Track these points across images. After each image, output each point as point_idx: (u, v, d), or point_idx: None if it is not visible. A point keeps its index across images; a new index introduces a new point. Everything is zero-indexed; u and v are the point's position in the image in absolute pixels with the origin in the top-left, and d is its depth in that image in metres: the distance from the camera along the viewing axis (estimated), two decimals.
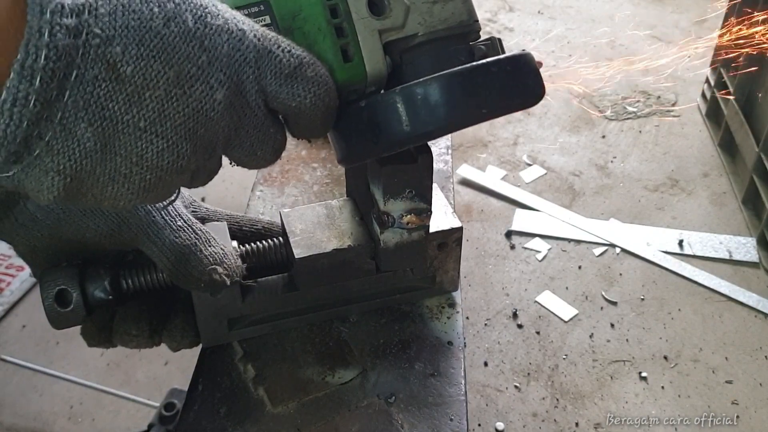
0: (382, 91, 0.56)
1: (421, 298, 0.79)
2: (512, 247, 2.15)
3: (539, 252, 2.12)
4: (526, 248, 2.14)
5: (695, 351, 1.83)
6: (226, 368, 0.71)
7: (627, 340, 1.86)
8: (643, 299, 1.97)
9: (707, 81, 2.71)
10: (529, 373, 1.77)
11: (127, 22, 0.41)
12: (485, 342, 1.85)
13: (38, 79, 0.38)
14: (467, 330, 1.85)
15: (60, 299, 0.64)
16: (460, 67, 0.51)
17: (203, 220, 0.73)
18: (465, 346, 0.75)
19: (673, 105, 2.81)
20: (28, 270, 2.04)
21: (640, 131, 2.67)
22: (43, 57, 0.38)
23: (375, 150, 0.55)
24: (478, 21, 0.58)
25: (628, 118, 2.74)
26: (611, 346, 1.84)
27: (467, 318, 1.89)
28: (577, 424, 1.66)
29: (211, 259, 0.63)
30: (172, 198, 0.52)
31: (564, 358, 1.81)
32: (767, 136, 2.08)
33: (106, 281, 0.65)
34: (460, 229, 0.74)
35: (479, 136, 2.63)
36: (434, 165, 0.68)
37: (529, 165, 2.49)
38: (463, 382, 0.71)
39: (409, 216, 0.67)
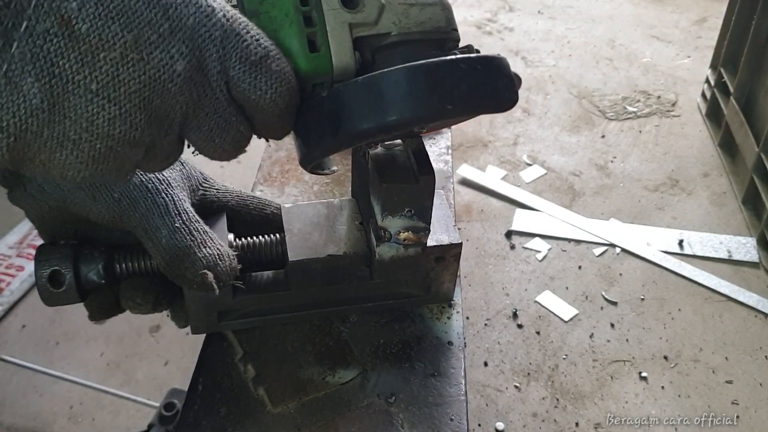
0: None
1: (416, 305, 0.78)
2: (512, 247, 2.15)
3: (539, 252, 2.12)
4: (526, 248, 2.14)
5: (695, 351, 1.83)
6: (226, 368, 0.71)
7: (627, 340, 1.86)
8: (643, 299, 1.97)
9: (707, 81, 2.71)
10: (529, 373, 1.77)
11: None
12: (485, 342, 1.84)
13: None
14: (467, 330, 1.85)
15: (53, 279, 0.64)
16: (426, 60, 0.49)
17: (212, 203, 0.73)
18: (465, 346, 0.75)
19: (674, 105, 2.81)
20: (27, 270, 2.05)
21: (640, 131, 2.67)
22: None
23: (335, 143, 0.52)
24: (456, 30, 0.57)
25: (628, 118, 2.74)
26: (611, 346, 1.84)
27: (467, 318, 1.89)
28: (577, 424, 1.66)
29: (204, 261, 0.63)
30: (129, 178, 0.49)
31: (564, 358, 1.81)
32: (767, 136, 2.08)
33: (100, 265, 0.65)
34: (460, 245, 0.73)
35: (479, 136, 2.63)
36: (434, 165, 0.68)
37: (529, 165, 2.49)
38: (463, 382, 0.71)
39: (406, 233, 0.66)
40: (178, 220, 0.64)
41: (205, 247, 0.64)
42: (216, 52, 0.46)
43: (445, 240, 0.72)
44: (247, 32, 0.47)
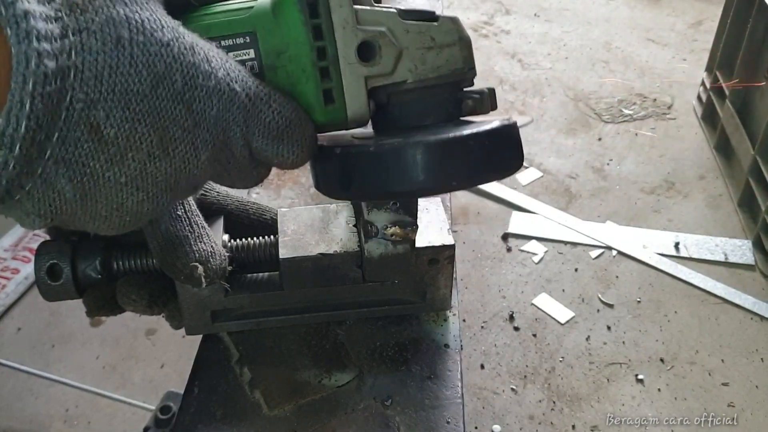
0: (358, 138, 0.56)
1: (411, 312, 0.78)
2: (509, 249, 2.15)
3: (536, 254, 2.12)
4: (522, 251, 2.14)
5: (691, 353, 1.83)
6: (222, 371, 0.71)
7: (623, 342, 1.86)
8: (639, 302, 1.97)
9: (703, 84, 2.72)
10: (525, 376, 1.77)
11: (113, 86, 0.41)
12: (482, 345, 1.84)
13: (18, 146, 0.38)
14: (464, 333, 1.84)
15: (51, 273, 0.66)
16: (438, 137, 0.51)
17: (212, 205, 0.73)
18: (462, 348, 0.75)
19: (669, 108, 2.82)
20: (23, 273, 2.05)
21: (637, 134, 2.67)
22: (23, 127, 0.38)
23: (345, 196, 0.56)
24: (473, 68, 0.57)
25: (624, 121, 2.74)
26: (608, 349, 1.84)
27: (464, 321, 1.89)
28: (573, 427, 1.66)
29: (197, 255, 0.64)
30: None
31: (560, 361, 1.81)
32: (763, 138, 2.08)
33: (98, 260, 0.67)
34: (452, 246, 0.73)
35: None
36: None
37: (526, 167, 2.49)
38: (459, 384, 0.70)
39: (393, 228, 0.67)
40: (181, 208, 0.65)
41: (200, 242, 0.65)
42: (240, 131, 0.48)
43: (437, 241, 0.73)
44: (269, 107, 0.49)
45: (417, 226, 0.68)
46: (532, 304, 1.96)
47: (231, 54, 0.49)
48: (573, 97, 2.88)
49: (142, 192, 0.45)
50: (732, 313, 1.94)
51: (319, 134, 0.54)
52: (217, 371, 0.71)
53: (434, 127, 0.54)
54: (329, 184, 0.55)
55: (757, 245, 2.11)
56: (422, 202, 0.76)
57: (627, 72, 3.05)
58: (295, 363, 0.72)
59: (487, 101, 0.57)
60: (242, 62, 0.50)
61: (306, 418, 0.66)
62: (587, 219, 2.25)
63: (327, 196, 0.57)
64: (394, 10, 0.53)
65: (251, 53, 0.51)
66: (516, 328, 1.89)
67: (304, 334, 0.75)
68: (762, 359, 1.81)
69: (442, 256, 0.73)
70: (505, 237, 2.19)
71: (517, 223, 2.23)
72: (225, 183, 0.53)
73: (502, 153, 0.53)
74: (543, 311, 1.94)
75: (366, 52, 0.52)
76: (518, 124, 0.55)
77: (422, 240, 0.71)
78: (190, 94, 0.44)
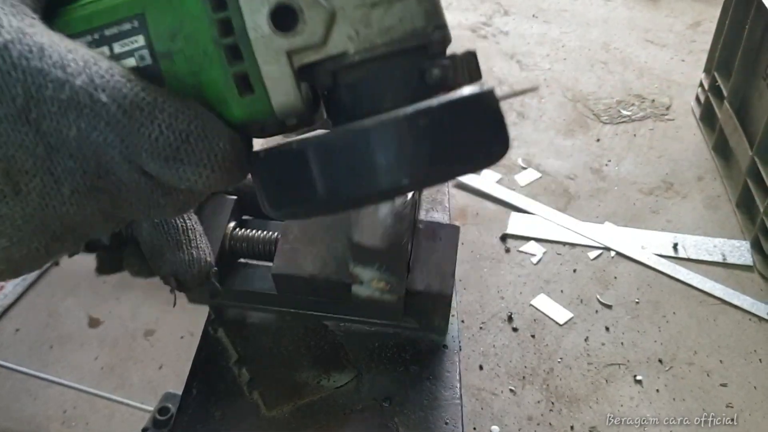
0: (285, 140, 0.43)
1: (403, 333, 0.76)
2: (507, 250, 2.15)
3: (534, 255, 2.12)
4: (521, 252, 2.14)
5: (690, 354, 1.83)
6: (220, 372, 0.71)
7: (622, 343, 1.86)
8: (637, 302, 1.97)
9: (701, 85, 2.72)
10: (524, 377, 1.77)
11: None
12: (480, 345, 1.84)
13: None
14: (462, 333, 1.84)
15: None
16: (364, 124, 0.38)
17: None
18: (460, 349, 0.75)
19: (668, 108, 2.82)
20: None
21: (635, 135, 2.67)
22: None
23: (276, 215, 0.44)
24: (442, 27, 0.43)
25: (622, 122, 2.74)
26: (606, 350, 1.84)
27: (462, 321, 1.89)
28: (572, 428, 1.66)
29: (171, 266, 0.63)
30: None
31: (559, 362, 1.81)
32: (761, 139, 2.09)
33: None
34: (449, 297, 0.68)
35: None
36: None
37: (524, 168, 2.49)
38: (458, 385, 0.70)
39: (379, 283, 0.63)
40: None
41: (179, 250, 0.64)
42: (118, 153, 0.37)
43: (434, 287, 0.67)
44: (153, 119, 0.37)
45: (404, 285, 0.63)
46: (531, 305, 1.96)
47: (118, 44, 0.40)
48: (571, 98, 2.88)
49: (3, 238, 0.37)
50: (730, 313, 1.94)
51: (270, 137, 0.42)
52: (215, 372, 0.71)
53: (392, 111, 0.41)
54: (261, 200, 0.43)
55: (756, 246, 2.11)
56: (435, 227, 0.70)
57: (625, 73, 3.05)
58: (294, 364, 0.72)
59: (462, 68, 0.43)
60: (131, 53, 0.40)
61: (304, 419, 0.66)
62: (586, 220, 2.25)
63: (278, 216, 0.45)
64: None
65: (140, 40, 0.40)
66: (515, 329, 1.89)
67: (302, 334, 0.75)
68: (760, 360, 1.81)
69: (439, 303, 0.69)
70: (504, 238, 2.18)
71: (515, 224, 2.23)
72: (135, 216, 0.42)
73: (472, 134, 0.40)
74: (541, 312, 1.94)
75: (284, 18, 0.40)
76: (511, 93, 0.43)
77: (419, 282, 0.66)
78: (38, 111, 0.35)
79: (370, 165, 0.38)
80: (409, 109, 0.38)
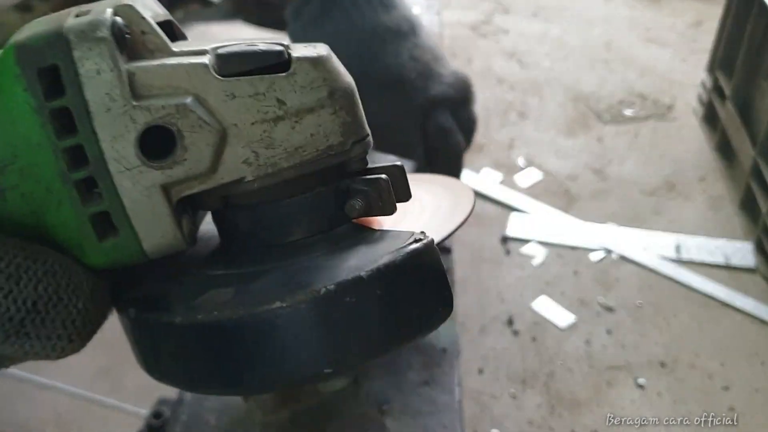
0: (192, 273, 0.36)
1: None
2: (507, 252, 2.13)
3: (535, 257, 2.11)
4: (521, 253, 2.13)
5: (692, 357, 1.82)
6: None
7: (623, 346, 1.84)
8: (639, 305, 1.96)
9: (703, 84, 2.71)
10: (524, 380, 1.75)
11: None
12: (480, 349, 1.83)
13: None
14: (462, 337, 1.83)
15: None
16: (274, 307, 0.30)
17: None
18: (459, 353, 0.74)
19: (670, 108, 2.81)
20: None
21: (637, 135, 2.66)
22: None
23: (168, 382, 0.39)
24: (365, 139, 0.36)
25: (624, 122, 2.73)
26: (607, 353, 1.83)
27: (462, 324, 1.87)
28: (573, 431, 1.64)
29: None
30: None
31: (560, 365, 1.79)
32: (764, 140, 2.08)
33: None
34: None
35: (474, 139, 2.62)
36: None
37: (525, 168, 2.48)
38: (457, 389, 0.69)
39: None
40: None
41: None
42: None
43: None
44: None
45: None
46: (532, 307, 1.95)
47: None
48: (573, 98, 2.87)
49: None
50: (733, 316, 1.92)
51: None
52: None
53: (302, 247, 0.35)
54: (144, 363, 0.38)
55: (759, 248, 2.09)
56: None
57: (627, 72, 3.04)
58: None
59: (387, 195, 0.35)
60: None
61: (301, 425, 0.65)
62: (587, 221, 2.24)
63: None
64: (204, 61, 0.31)
65: None
66: (515, 332, 1.88)
67: None
68: (762, 363, 1.80)
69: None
70: (504, 239, 2.17)
71: (516, 225, 2.21)
72: None
73: (413, 302, 0.33)
74: (542, 315, 1.93)
75: (156, 144, 0.31)
76: (444, 235, 0.35)
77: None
78: None
79: (282, 353, 0.30)
80: (328, 285, 0.30)
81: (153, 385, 1.62)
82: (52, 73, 0.30)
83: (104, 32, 0.30)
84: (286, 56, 0.32)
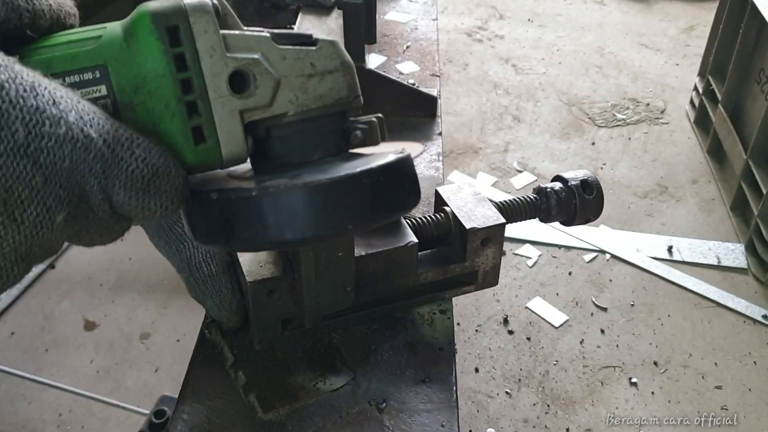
0: (236, 184, 0.49)
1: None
2: (503, 253, 2.15)
3: (530, 258, 2.13)
4: (516, 254, 2.15)
5: (685, 356, 1.84)
6: (216, 375, 0.71)
7: (617, 345, 1.86)
8: (633, 305, 1.98)
9: (695, 88, 2.73)
10: (519, 379, 1.77)
11: None
12: (476, 348, 1.85)
13: None
14: (458, 336, 1.85)
15: None
16: (328, 177, 0.46)
17: None
18: (456, 352, 0.75)
19: (662, 112, 2.83)
20: None
21: (630, 138, 2.68)
22: None
23: (228, 246, 0.54)
24: (359, 96, 0.52)
25: (617, 125, 2.75)
26: (601, 352, 1.85)
27: (458, 324, 1.89)
28: (567, 430, 1.66)
29: (210, 313, 0.70)
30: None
31: (554, 364, 1.81)
32: (755, 143, 2.10)
33: None
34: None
35: (470, 143, 2.64)
36: (426, 172, 0.69)
37: (520, 172, 2.50)
38: (454, 388, 0.70)
39: None
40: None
41: (208, 299, 0.69)
42: (98, 183, 0.40)
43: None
44: (132, 153, 0.41)
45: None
46: (527, 307, 1.97)
47: (79, 91, 0.42)
48: (567, 102, 2.89)
49: None
50: (725, 316, 1.95)
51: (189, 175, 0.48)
52: (211, 375, 0.71)
53: (321, 162, 0.50)
54: (208, 234, 0.49)
55: (750, 249, 2.11)
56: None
57: (620, 77, 3.06)
58: (290, 367, 0.72)
59: (377, 131, 0.53)
60: (94, 101, 0.43)
61: (300, 422, 0.66)
62: None
63: (206, 246, 0.52)
64: (267, 34, 0.48)
65: (103, 90, 0.44)
66: (510, 332, 1.89)
67: (298, 337, 0.75)
68: (755, 362, 1.82)
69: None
70: None
71: (510, 227, 2.22)
72: (82, 243, 0.45)
73: (399, 189, 0.50)
74: (537, 315, 1.94)
75: (239, 82, 0.46)
76: (412, 156, 0.52)
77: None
78: (36, 144, 0.37)
79: (321, 213, 0.46)
80: (356, 167, 0.47)
81: (153, 385, 1.63)
82: (174, 30, 0.44)
83: (209, 8, 0.45)
84: (314, 38, 0.50)
